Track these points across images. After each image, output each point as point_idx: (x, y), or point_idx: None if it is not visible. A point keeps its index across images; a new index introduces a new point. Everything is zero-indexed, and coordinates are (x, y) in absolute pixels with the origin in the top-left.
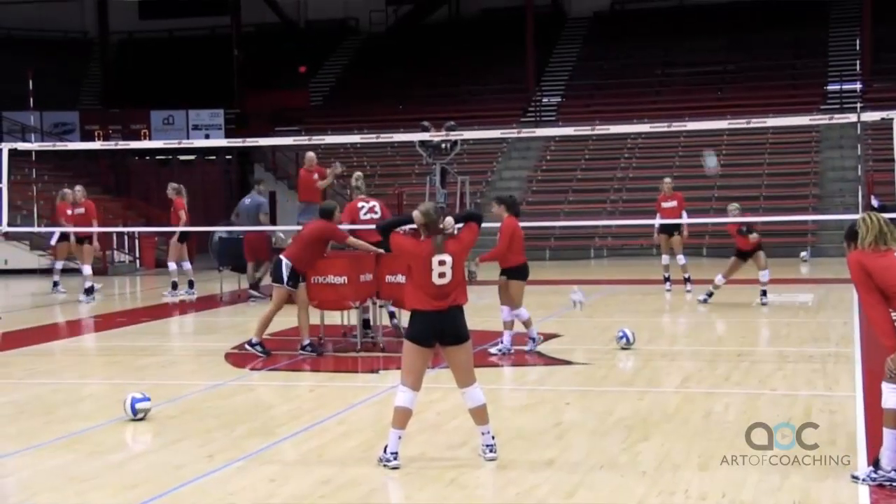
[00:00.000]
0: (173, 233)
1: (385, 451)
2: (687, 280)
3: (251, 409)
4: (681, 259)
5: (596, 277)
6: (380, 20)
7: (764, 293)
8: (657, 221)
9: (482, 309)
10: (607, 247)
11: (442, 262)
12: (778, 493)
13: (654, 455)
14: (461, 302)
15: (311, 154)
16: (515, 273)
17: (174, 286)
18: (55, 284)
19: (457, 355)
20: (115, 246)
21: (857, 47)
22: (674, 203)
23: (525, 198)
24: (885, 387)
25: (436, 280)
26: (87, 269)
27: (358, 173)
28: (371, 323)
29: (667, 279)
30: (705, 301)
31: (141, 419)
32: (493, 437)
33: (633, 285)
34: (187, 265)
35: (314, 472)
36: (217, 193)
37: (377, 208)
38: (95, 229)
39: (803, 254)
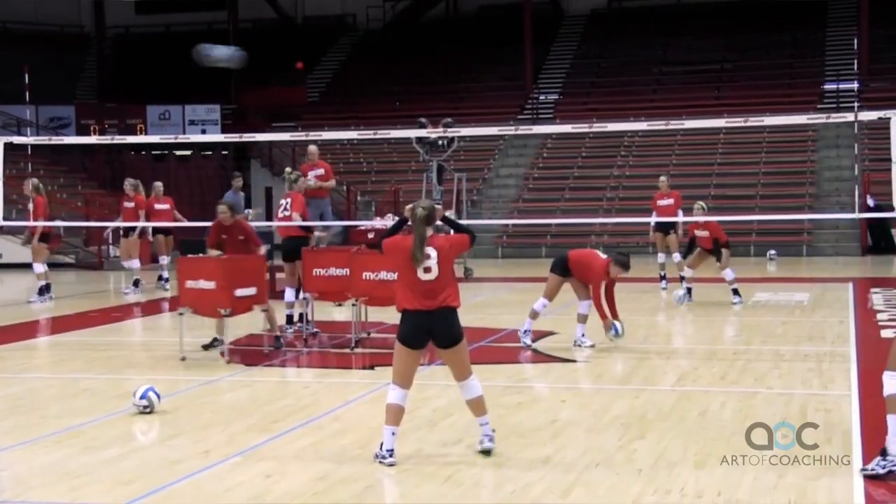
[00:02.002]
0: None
1: (381, 448)
2: (682, 279)
3: (247, 405)
4: (676, 257)
5: None
6: (377, 16)
7: (735, 292)
8: (653, 219)
9: (481, 305)
10: (603, 244)
11: (427, 256)
12: (774, 491)
13: (649, 453)
14: (452, 304)
15: (312, 148)
16: None
17: (136, 284)
18: (162, 279)
19: (451, 356)
20: (110, 241)
21: (855, 47)
22: (670, 201)
23: (521, 195)
24: (887, 375)
25: (421, 275)
26: (136, 263)
27: (287, 168)
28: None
29: (663, 277)
30: (684, 298)
31: (143, 412)
32: (492, 429)
33: (628, 283)
34: (136, 263)
35: (310, 469)
36: (213, 189)
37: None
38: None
39: (771, 252)
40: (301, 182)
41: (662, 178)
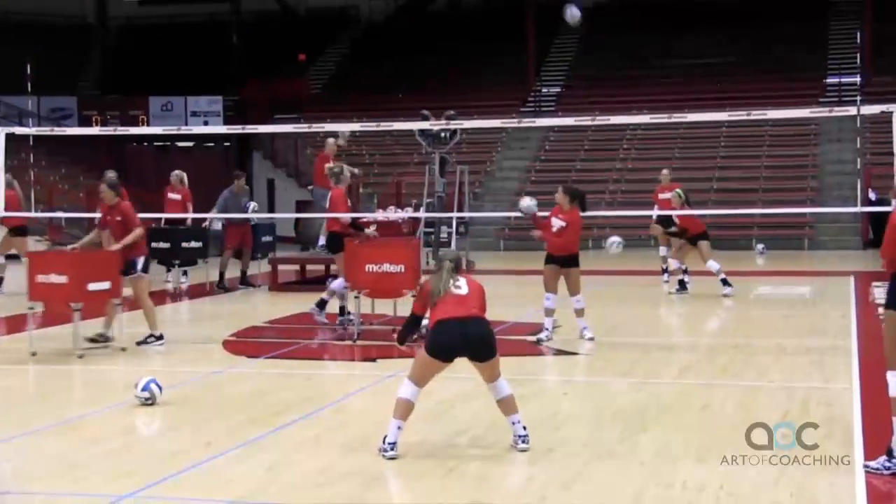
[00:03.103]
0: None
1: (384, 441)
2: (684, 272)
3: (249, 398)
4: (662, 251)
5: (594, 268)
6: (380, 8)
7: (724, 282)
8: (655, 212)
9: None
10: (605, 237)
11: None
12: (776, 485)
13: (651, 446)
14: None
15: (331, 140)
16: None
17: None
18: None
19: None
20: None
21: (858, 41)
22: (671, 194)
23: (524, 188)
24: (891, 375)
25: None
26: None
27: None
28: (346, 310)
29: (665, 270)
30: (680, 290)
31: (145, 404)
32: (524, 427)
33: (631, 276)
34: None
35: (312, 461)
36: (215, 181)
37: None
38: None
39: (759, 247)
40: (345, 175)
41: (664, 172)
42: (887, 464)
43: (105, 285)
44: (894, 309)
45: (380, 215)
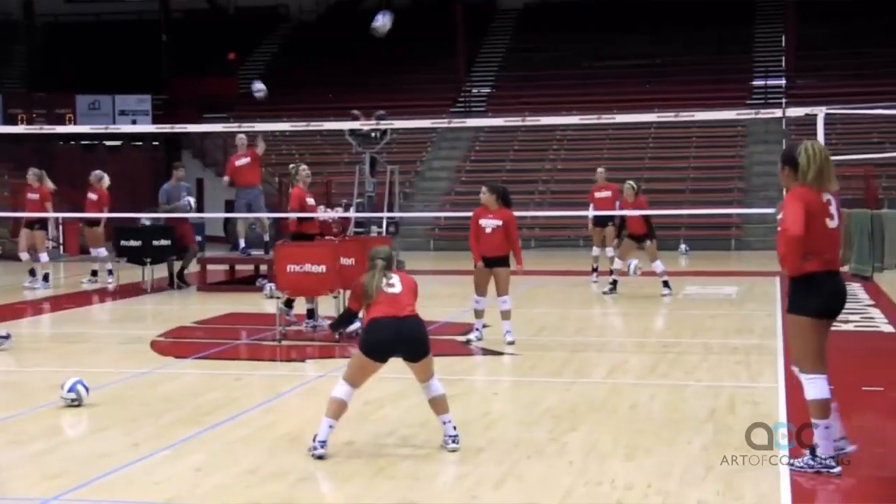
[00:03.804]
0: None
1: (314, 439)
2: (612, 272)
3: (178, 398)
4: (609, 251)
5: (523, 268)
6: (310, 8)
7: (665, 284)
8: (590, 213)
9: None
10: (535, 238)
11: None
12: (703, 482)
13: (581, 445)
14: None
15: (241, 136)
16: (507, 261)
17: (33, 273)
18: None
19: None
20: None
21: (783, 44)
22: (607, 193)
23: (454, 188)
24: (802, 378)
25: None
26: (45, 257)
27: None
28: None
29: (594, 270)
30: (611, 291)
31: (72, 405)
32: (454, 427)
33: (560, 276)
34: (44, 257)
35: (241, 462)
36: (144, 180)
37: None
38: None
39: (683, 247)
40: (302, 174)
41: (600, 171)
42: (811, 462)
43: None
44: (796, 313)
45: (322, 215)
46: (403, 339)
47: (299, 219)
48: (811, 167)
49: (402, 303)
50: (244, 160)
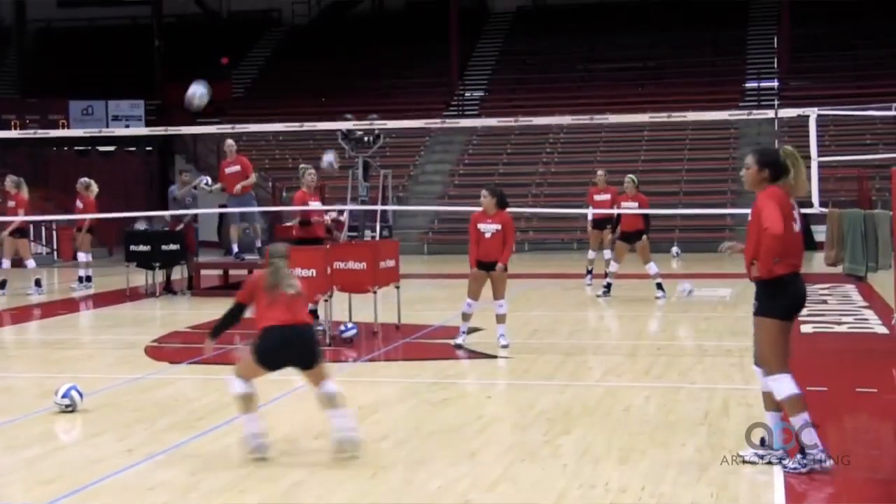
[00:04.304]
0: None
1: (251, 437)
2: (607, 274)
3: (171, 403)
4: (607, 254)
5: (517, 271)
6: (303, 12)
7: (658, 286)
8: (589, 212)
9: (406, 302)
10: (528, 240)
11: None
12: (696, 484)
13: (575, 448)
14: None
15: (229, 142)
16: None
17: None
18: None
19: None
20: (31, 237)
21: (775, 45)
22: (607, 196)
23: (447, 191)
24: (771, 380)
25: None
26: (32, 263)
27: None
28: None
29: (589, 272)
30: (605, 294)
31: (66, 411)
32: (351, 427)
33: (554, 279)
34: (31, 263)
35: (235, 467)
36: (137, 185)
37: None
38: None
39: (674, 250)
40: (308, 176)
41: (600, 173)
42: (803, 461)
43: None
44: (766, 315)
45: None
46: (294, 349)
47: (300, 224)
48: (799, 172)
49: (298, 307)
50: (234, 168)
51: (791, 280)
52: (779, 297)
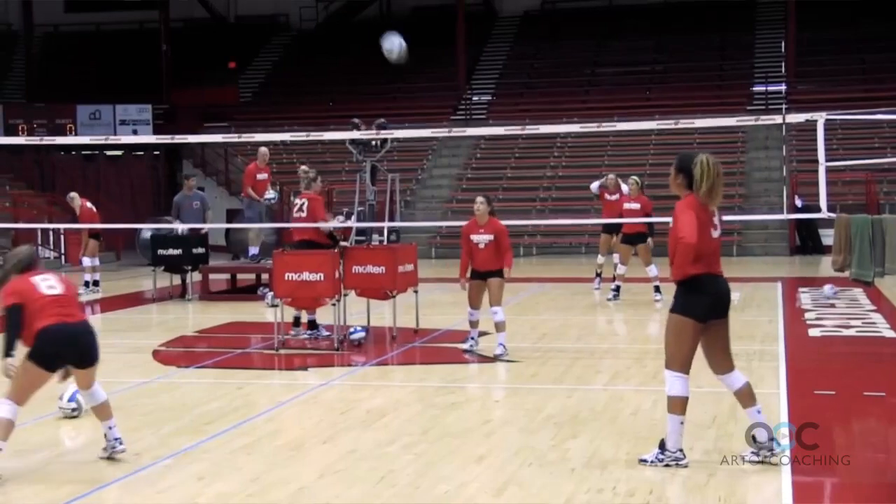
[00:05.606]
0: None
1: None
2: (615, 278)
3: (179, 407)
4: (616, 257)
5: (525, 275)
6: (310, 16)
7: (656, 289)
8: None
9: (414, 306)
10: (536, 245)
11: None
12: (705, 489)
13: (582, 452)
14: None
15: (263, 150)
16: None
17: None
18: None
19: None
20: (39, 242)
21: (783, 50)
22: (616, 197)
23: (455, 196)
24: (668, 374)
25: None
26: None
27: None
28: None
29: (598, 275)
30: (615, 297)
31: (72, 415)
32: (118, 431)
33: (562, 283)
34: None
35: (243, 471)
36: (144, 190)
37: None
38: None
39: None
40: (319, 182)
41: (611, 176)
42: (660, 456)
43: None
44: (680, 314)
45: (335, 223)
46: (77, 347)
47: (328, 237)
48: (704, 182)
49: (71, 305)
50: (264, 175)
51: (709, 280)
52: (695, 297)
